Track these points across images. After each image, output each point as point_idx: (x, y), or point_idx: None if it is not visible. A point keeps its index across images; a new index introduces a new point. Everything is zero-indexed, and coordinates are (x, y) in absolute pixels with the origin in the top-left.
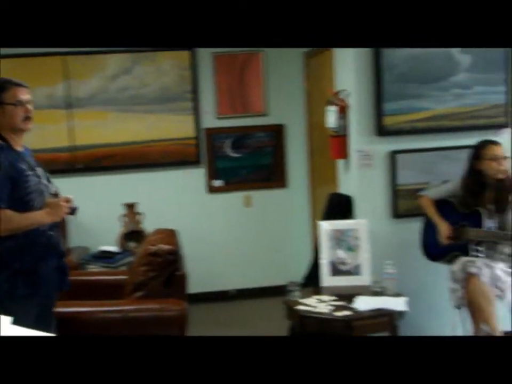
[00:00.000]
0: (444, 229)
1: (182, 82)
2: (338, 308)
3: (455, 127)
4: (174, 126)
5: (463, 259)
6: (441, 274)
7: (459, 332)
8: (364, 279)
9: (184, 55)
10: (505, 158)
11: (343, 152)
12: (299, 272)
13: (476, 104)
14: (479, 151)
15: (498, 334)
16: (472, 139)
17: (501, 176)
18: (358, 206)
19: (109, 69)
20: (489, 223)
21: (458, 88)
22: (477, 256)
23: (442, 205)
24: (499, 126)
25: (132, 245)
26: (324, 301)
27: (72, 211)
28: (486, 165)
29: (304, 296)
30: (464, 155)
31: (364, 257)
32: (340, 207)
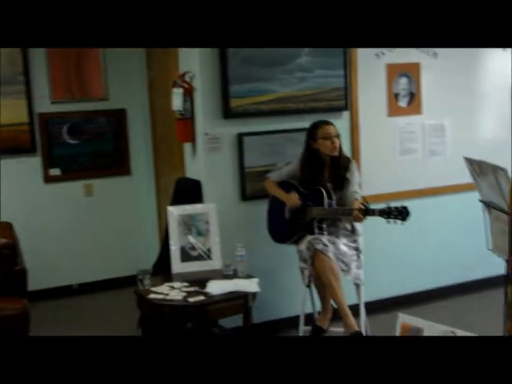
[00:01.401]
0: (291, 198)
1: (12, 65)
2: (191, 294)
3: (298, 109)
4: (5, 111)
5: (309, 238)
6: (291, 254)
7: (308, 309)
8: (215, 263)
9: None
10: (337, 136)
11: (189, 135)
12: (148, 260)
13: (317, 87)
14: (313, 131)
15: (344, 307)
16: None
17: (334, 153)
18: (207, 189)
19: None
20: (330, 201)
21: (301, 72)
22: (322, 234)
23: (285, 186)
24: (338, 108)
25: None
26: (176, 288)
27: None
28: (320, 144)
29: (155, 285)
30: None
31: (214, 241)
32: (188, 191)
